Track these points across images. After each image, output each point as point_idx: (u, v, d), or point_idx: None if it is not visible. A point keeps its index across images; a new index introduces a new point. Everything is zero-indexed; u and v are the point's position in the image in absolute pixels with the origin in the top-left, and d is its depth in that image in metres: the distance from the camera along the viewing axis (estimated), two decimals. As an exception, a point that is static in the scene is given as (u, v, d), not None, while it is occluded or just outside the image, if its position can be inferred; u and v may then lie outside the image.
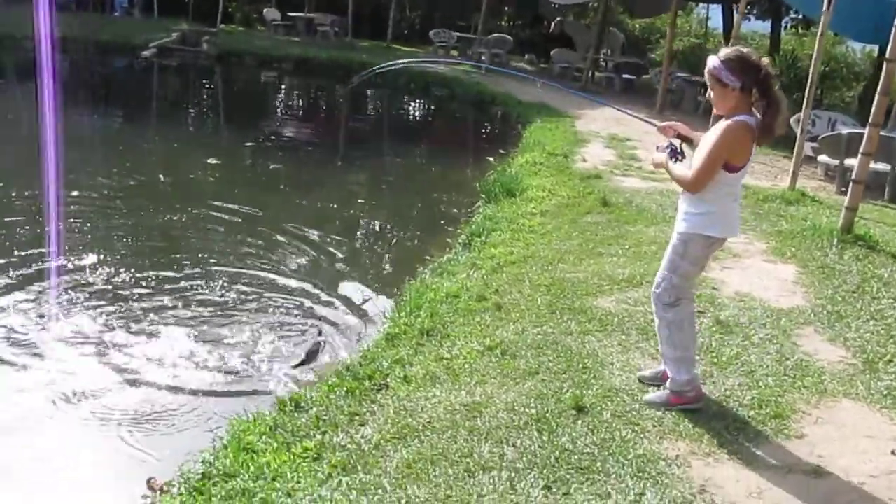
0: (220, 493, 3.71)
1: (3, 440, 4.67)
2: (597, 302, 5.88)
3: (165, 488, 4.10)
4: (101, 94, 16.47)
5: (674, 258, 4.32)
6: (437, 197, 11.42)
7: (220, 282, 7.10)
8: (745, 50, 4.10)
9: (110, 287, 6.80)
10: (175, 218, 8.96)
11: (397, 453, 3.90)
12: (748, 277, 6.66)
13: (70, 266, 7.16)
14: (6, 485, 4.29)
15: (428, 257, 8.12)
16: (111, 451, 4.65)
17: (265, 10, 29.74)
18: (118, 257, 7.53)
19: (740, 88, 3.98)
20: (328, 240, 8.64)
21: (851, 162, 9.10)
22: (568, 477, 3.68)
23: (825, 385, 4.77)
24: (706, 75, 4.10)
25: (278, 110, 19.86)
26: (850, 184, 8.05)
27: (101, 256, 7.45)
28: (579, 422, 4.16)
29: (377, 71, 6.95)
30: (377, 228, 9.52)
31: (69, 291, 6.61)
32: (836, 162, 11.11)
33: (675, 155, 4.32)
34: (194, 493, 3.78)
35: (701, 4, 26.93)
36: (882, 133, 8.49)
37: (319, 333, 6.15)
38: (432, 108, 21.43)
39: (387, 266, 8.08)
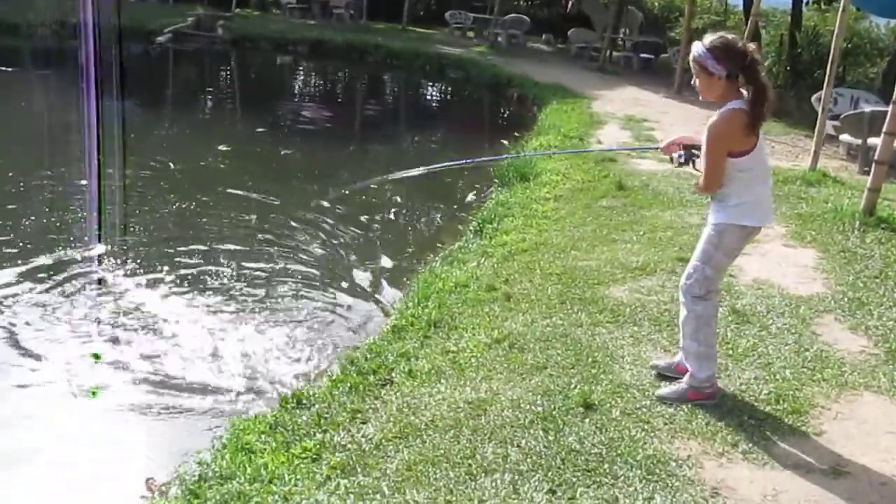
0: (215, 496, 3.61)
1: (2, 434, 4.61)
2: (609, 291, 5.72)
3: (163, 489, 4.01)
4: (116, 81, 16.37)
5: (708, 248, 4.15)
6: (451, 182, 11.24)
7: (230, 271, 7.03)
8: (730, 36, 4.04)
9: (118, 277, 6.72)
10: (184, 206, 8.86)
11: (398, 454, 3.78)
12: (767, 263, 6.48)
13: (78, 256, 7.08)
14: (4, 480, 4.22)
15: (439, 244, 7.98)
16: (112, 448, 4.58)
17: (280, -6, 29.54)
18: (126, 246, 7.44)
19: (726, 76, 3.90)
20: (339, 227, 8.51)
21: (874, 141, 8.86)
22: (574, 480, 3.54)
23: (846, 377, 4.60)
24: (691, 63, 4.01)
25: (293, 95, 19.71)
26: (873, 164, 7.83)
27: (110, 246, 7.38)
28: (587, 420, 4.01)
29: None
30: (389, 215, 9.37)
31: (72, 282, 6.53)
32: (859, 141, 10.82)
33: (692, 158, 4.27)
34: (189, 496, 3.68)
35: (721, -19, 26.50)
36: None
37: None
38: (448, 90, 21.21)
39: (398, 254, 7.93)
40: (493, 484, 3.50)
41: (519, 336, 4.97)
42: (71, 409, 4.89)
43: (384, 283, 7.11)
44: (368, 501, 3.42)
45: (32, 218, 7.95)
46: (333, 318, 6.31)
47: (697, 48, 3.95)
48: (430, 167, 6.68)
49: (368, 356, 4.95)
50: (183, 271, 6.97)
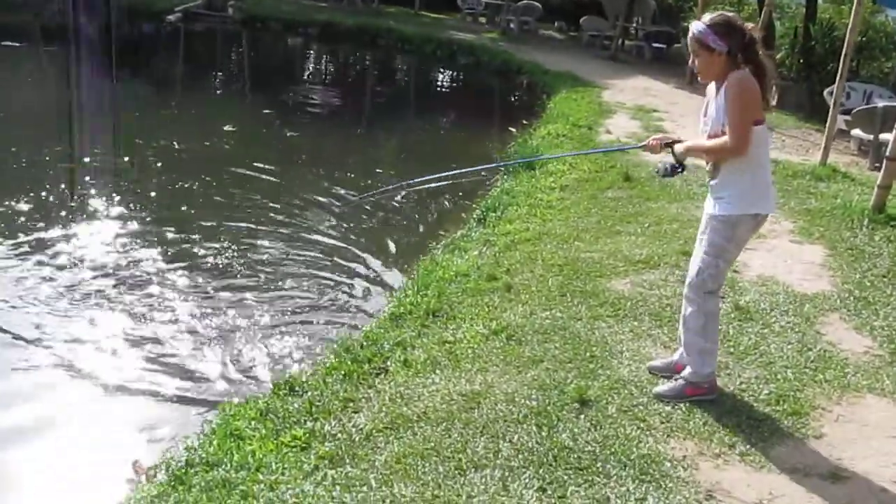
0: (200, 482, 3.55)
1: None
2: (610, 284, 5.62)
3: (150, 474, 3.96)
4: (126, 60, 16.29)
5: (720, 243, 4.02)
6: (458, 168, 11.13)
7: (228, 253, 6.96)
8: (729, 14, 4.02)
9: (119, 258, 6.66)
10: (187, 185, 8.80)
11: (388, 445, 3.71)
12: (772, 259, 6.37)
13: (80, 236, 7.03)
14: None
15: (442, 232, 7.90)
16: (100, 430, 4.53)
17: (292, -25, 29.32)
18: (130, 227, 7.39)
19: (727, 52, 3.84)
20: (345, 212, 8.43)
21: (886, 137, 8.73)
22: (565, 478, 3.46)
23: (848, 379, 4.51)
24: (690, 42, 3.95)
25: (303, 77, 19.59)
26: (885, 160, 7.70)
27: (115, 226, 7.36)
28: (582, 416, 3.93)
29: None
30: (394, 202, 9.27)
31: (77, 263, 6.48)
32: (871, 136, 10.67)
33: (676, 170, 4.18)
34: (175, 482, 3.62)
35: (736, -29, 26.23)
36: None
37: None
38: (457, 76, 21.06)
39: (401, 241, 7.85)
40: (483, 480, 3.42)
41: (517, 328, 4.89)
42: (60, 390, 4.83)
43: (387, 269, 7.03)
44: (355, 493, 3.35)
45: (22, 196, 7.91)
46: (331, 303, 6.25)
47: (697, 26, 3.89)
48: (444, 174, 6.66)
49: (364, 344, 4.88)
50: (179, 252, 6.90)
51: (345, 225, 8.05)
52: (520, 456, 3.59)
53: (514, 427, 3.82)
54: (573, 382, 4.22)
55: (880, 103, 11.03)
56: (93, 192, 8.44)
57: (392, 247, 7.62)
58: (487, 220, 7.52)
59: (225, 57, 21.46)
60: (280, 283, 6.49)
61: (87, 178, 8.90)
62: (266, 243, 7.32)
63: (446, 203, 9.33)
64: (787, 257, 6.46)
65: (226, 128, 11.91)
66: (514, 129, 12.62)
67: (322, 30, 22.72)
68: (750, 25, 3.93)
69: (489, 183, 9.53)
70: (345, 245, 7.48)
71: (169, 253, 6.84)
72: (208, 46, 22.09)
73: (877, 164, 9.44)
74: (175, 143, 10.59)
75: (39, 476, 4.13)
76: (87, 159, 9.33)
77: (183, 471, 3.68)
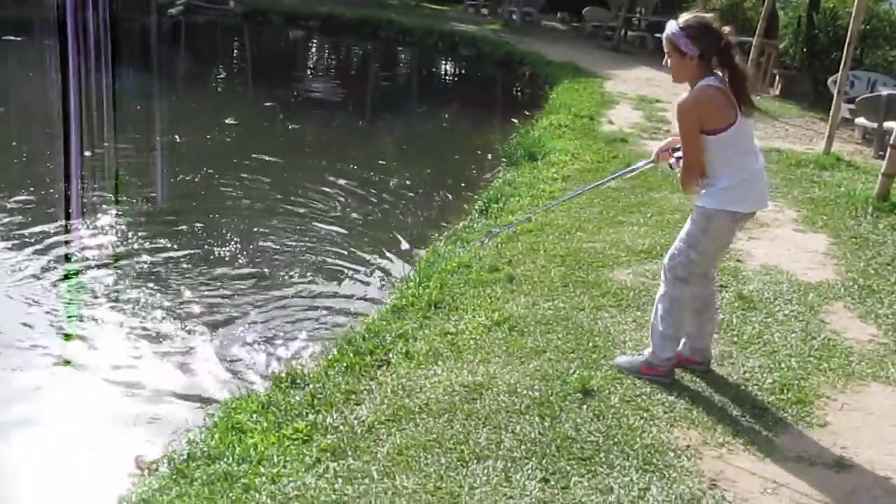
0: (202, 476, 3.54)
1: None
2: (613, 274, 5.60)
3: (152, 468, 3.95)
4: (127, 54, 16.26)
5: (694, 232, 4.02)
6: (460, 160, 11.13)
7: (230, 245, 6.95)
8: (706, 16, 3.95)
9: (120, 252, 6.65)
10: (188, 178, 8.78)
11: (390, 437, 3.69)
12: (776, 248, 6.35)
13: (81, 231, 7.02)
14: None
15: (445, 224, 7.88)
16: (103, 425, 4.51)
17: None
18: (131, 221, 7.38)
19: (699, 57, 3.79)
20: (347, 203, 8.41)
21: (890, 125, 8.72)
22: (568, 468, 3.44)
23: (853, 367, 4.49)
24: (664, 41, 3.89)
25: (304, 69, 19.55)
26: (888, 148, 7.66)
27: (115, 220, 7.34)
28: (584, 406, 3.91)
29: None
30: (396, 193, 9.25)
31: (78, 256, 6.47)
32: (874, 125, 10.62)
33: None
34: (177, 475, 3.61)
35: (739, -40, 26.07)
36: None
37: None
38: (459, 67, 21.00)
39: (403, 233, 7.81)
40: (485, 471, 3.41)
41: (520, 319, 4.87)
42: (62, 385, 4.82)
43: (388, 261, 7.01)
44: (357, 485, 3.33)
45: (22, 189, 7.90)
46: (333, 295, 6.23)
47: (671, 27, 3.83)
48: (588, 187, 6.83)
49: (366, 336, 4.86)
50: (180, 245, 6.88)
51: (347, 217, 8.03)
52: (522, 447, 3.57)
53: (516, 418, 3.80)
54: (576, 373, 4.20)
55: (884, 91, 10.97)
56: (93, 185, 8.43)
57: (394, 238, 7.59)
58: (490, 210, 7.50)
59: (226, 50, 21.43)
60: (281, 276, 6.48)
61: (87, 173, 8.88)
62: (267, 235, 7.30)
63: (448, 194, 9.30)
64: (790, 246, 6.43)
65: (227, 121, 11.89)
66: (516, 121, 12.59)
67: (323, 22, 22.70)
68: (727, 30, 3.86)
69: (492, 174, 9.50)
70: (346, 237, 7.47)
71: (170, 246, 6.83)
72: (209, 39, 22.05)
73: (881, 153, 9.40)
74: (177, 136, 10.57)
75: (42, 471, 4.11)
76: (87, 153, 9.30)
77: (185, 464, 3.66)
